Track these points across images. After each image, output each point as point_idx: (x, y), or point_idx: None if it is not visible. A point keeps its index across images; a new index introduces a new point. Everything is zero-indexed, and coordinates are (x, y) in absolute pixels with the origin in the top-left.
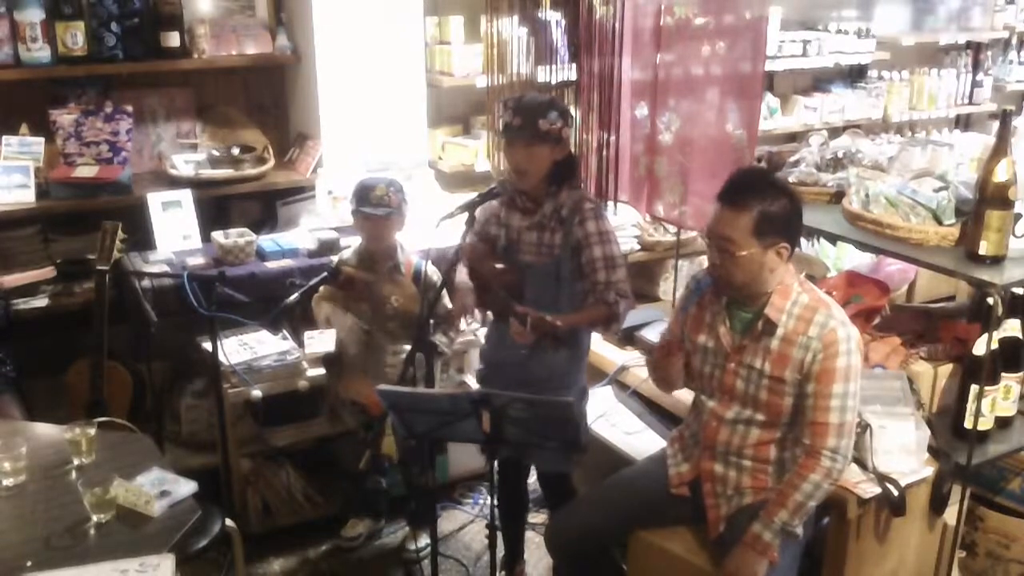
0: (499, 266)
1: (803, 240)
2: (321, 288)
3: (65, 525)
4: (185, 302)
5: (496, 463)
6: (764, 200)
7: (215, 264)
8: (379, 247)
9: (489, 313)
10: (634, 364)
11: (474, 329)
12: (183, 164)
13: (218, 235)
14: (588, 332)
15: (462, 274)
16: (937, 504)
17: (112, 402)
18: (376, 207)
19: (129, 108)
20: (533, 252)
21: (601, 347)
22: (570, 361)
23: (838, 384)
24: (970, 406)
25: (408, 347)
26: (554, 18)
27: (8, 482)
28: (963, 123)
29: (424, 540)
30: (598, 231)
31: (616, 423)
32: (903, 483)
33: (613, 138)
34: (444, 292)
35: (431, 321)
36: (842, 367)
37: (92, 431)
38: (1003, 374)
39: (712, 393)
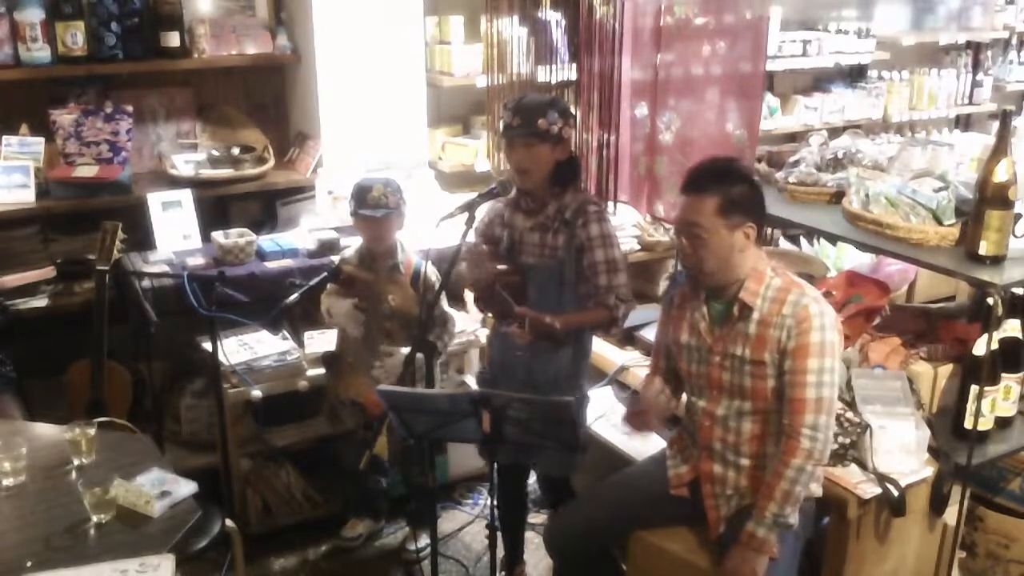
0: (502, 267)
1: (803, 240)
2: (328, 287)
3: (65, 525)
4: (185, 302)
5: (496, 465)
6: (725, 184)
7: (215, 264)
8: (380, 247)
9: (491, 315)
10: (634, 364)
11: (474, 330)
12: (183, 164)
13: (218, 235)
14: (590, 334)
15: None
16: (937, 504)
17: (112, 402)
18: (375, 208)
19: (129, 108)
20: (536, 253)
21: (601, 347)
22: (574, 363)
23: (813, 359)
24: (970, 406)
25: (402, 348)
26: (554, 18)
27: (8, 482)
28: (963, 123)
29: (424, 540)
30: (601, 234)
31: (616, 423)
32: (903, 483)
33: (613, 138)
34: (443, 294)
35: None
36: (816, 342)
37: (92, 431)
38: (1003, 374)
39: (701, 391)
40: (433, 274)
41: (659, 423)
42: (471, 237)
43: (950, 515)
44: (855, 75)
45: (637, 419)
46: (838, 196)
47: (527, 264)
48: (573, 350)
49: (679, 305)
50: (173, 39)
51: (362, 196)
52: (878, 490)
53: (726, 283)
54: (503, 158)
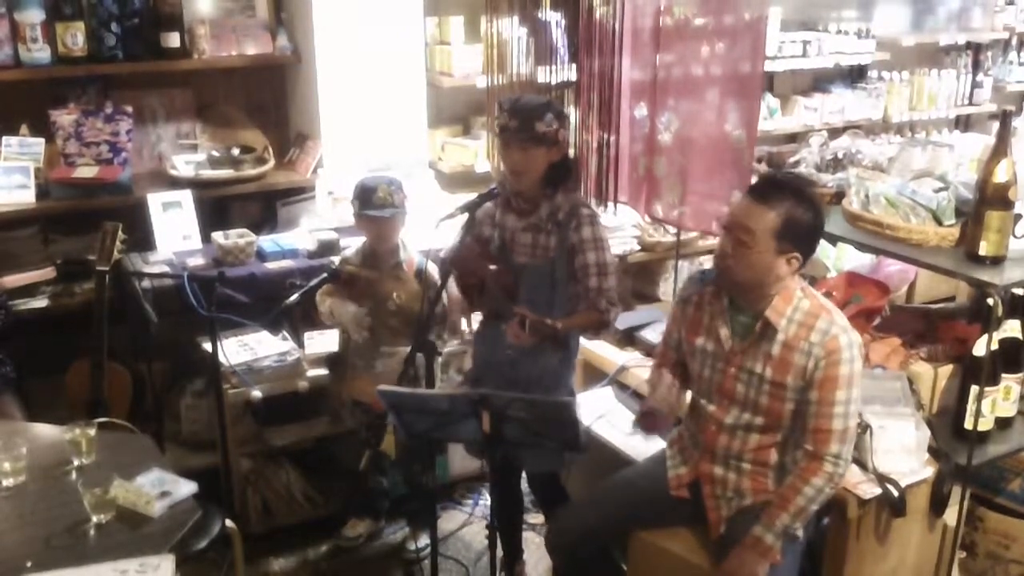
0: (493, 267)
1: None
2: (324, 287)
3: (65, 525)
4: (185, 302)
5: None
6: (793, 204)
7: (215, 264)
8: (384, 247)
9: (479, 314)
10: (634, 364)
11: (468, 333)
12: (183, 164)
13: (218, 236)
14: (577, 335)
15: (452, 284)
16: (937, 505)
17: (112, 402)
18: (381, 209)
19: (129, 108)
20: (527, 254)
21: (601, 347)
22: (560, 363)
23: (841, 391)
24: (970, 407)
25: (405, 347)
26: (554, 18)
27: (8, 482)
28: (963, 123)
29: (424, 540)
30: (593, 237)
31: (616, 423)
32: (903, 483)
33: (613, 138)
34: (444, 292)
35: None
36: (845, 374)
37: (92, 431)
38: (1003, 375)
39: (710, 397)
40: (434, 272)
41: (671, 422)
42: (460, 234)
43: (950, 515)
44: (855, 76)
45: (650, 420)
46: (838, 197)
47: (518, 264)
48: (559, 351)
49: (697, 305)
50: (173, 39)
51: (367, 196)
52: (878, 490)
53: (751, 298)
54: (500, 158)
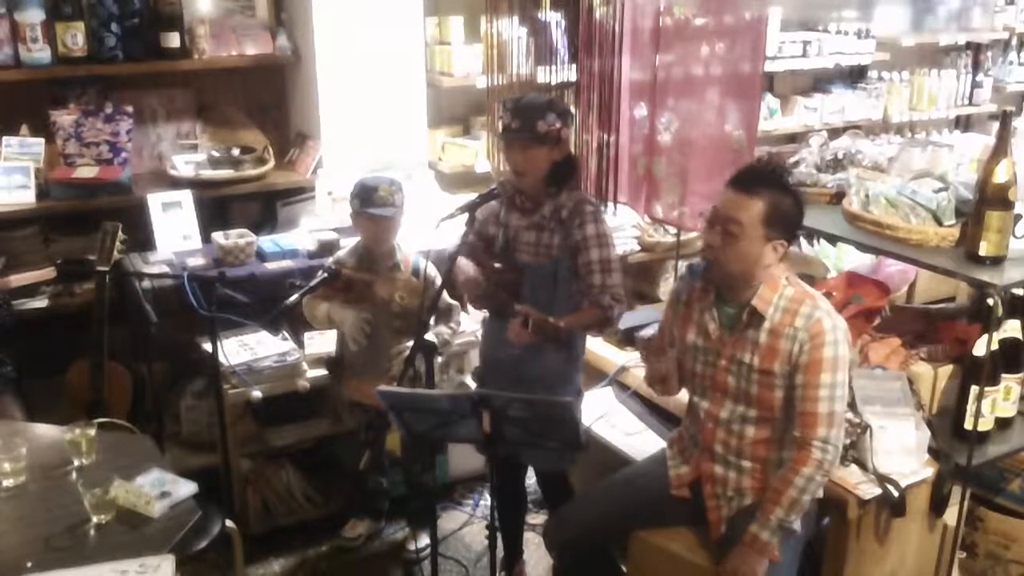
0: (497, 265)
1: (803, 240)
2: (313, 293)
3: (65, 526)
4: (185, 302)
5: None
6: (775, 192)
7: (215, 264)
8: (382, 247)
9: (486, 311)
10: (634, 364)
11: (474, 331)
12: (183, 164)
13: (218, 236)
14: (583, 334)
15: (464, 264)
16: (937, 505)
17: (112, 402)
18: (382, 208)
19: (129, 108)
20: (531, 252)
21: (601, 347)
22: (566, 361)
23: (826, 374)
24: (970, 407)
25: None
26: (554, 18)
27: (8, 482)
28: (963, 124)
29: (424, 540)
30: (597, 234)
31: (616, 423)
32: (903, 484)
33: (613, 138)
34: (444, 289)
35: (433, 316)
36: (829, 357)
37: (92, 431)
38: (1003, 375)
39: (704, 392)
40: (433, 271)
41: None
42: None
43: (950, 515)
44: (855, 76)
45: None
46: (838, 197)
47: (522, 263)
48: (565, 349)
49: (687, 302)
50: (173, 39)
51: (367, 195)
52: (878, 490)
53: (738, 288)
54: (502, 158)
